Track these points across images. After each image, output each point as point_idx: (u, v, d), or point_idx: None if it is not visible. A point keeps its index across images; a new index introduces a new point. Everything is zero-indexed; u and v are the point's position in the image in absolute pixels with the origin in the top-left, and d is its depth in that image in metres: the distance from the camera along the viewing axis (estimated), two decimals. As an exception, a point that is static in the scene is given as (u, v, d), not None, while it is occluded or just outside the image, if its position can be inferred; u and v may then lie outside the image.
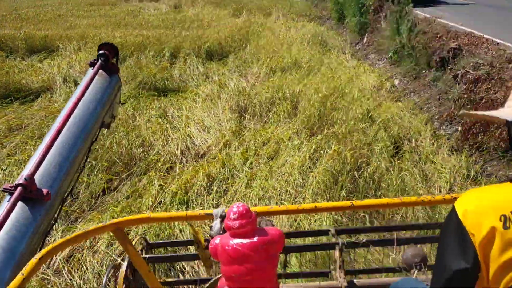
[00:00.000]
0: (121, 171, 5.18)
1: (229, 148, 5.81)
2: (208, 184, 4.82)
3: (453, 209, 1.00)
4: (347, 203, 1.69)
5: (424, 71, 8.50)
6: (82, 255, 3.66)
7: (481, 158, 5.43)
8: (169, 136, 6.06)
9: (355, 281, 2.14)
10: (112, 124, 1.87)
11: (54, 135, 1.42)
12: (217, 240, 1.53)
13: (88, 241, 3.88)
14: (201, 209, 4.35)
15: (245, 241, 1.45)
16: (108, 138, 5.67)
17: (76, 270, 3.52)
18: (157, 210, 4.26)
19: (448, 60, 7.88)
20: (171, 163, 5.43)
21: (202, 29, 12.95)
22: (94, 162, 5.15)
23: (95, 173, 4.99)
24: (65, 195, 1.51)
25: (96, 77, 1.70)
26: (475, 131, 5.69)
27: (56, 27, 14.07)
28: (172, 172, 5.25)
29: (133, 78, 8.44)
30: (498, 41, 8.62)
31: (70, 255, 3.76)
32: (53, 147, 1.43)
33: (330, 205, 1.81)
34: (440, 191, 4.77)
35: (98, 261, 3.56)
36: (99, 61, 1.75)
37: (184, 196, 4.53)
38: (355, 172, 4.51)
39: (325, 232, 2.27)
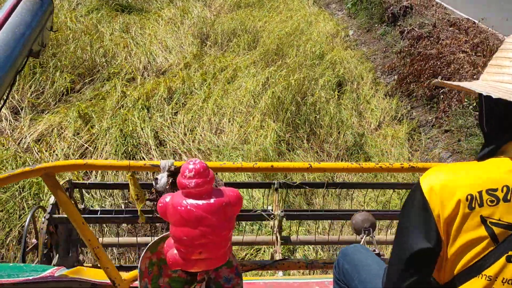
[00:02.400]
0: (84, 74, 5.44)
1: (189, 69, 6.19)
2: (168, 96, 5.25)
3: (418, 186, 0.97)
4: (305, 164, 1.62)
5: (376, 25, 9.14)
6: (51, 139, 4.05)
7: (409, 104, 6.26)
8: (131, 50, 6.32)
9: (292, 237, 2.21)
10: (42, 53, 1.67)
11: None
12: (167, 199, 1.36)
13: (55, 129, 4.27)
14: (160, 116, 4.81)
15: (200, 202, 1.30)
16: (72, 43, 5.85)
17: (45, 150, 3.92)
18: (120, 110, 4.66)
19: (398, 17, 8.55)
20: (133, 75, 5.75)
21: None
22: (58, 63, 5.37)
23: (59, 73, 5.23)
24: None
25: None
26: (408, 81, 6.47)
27: None
28: (134, 83, 5.60)
29: (96, -9, 8.35)
30: (446, 5, 9.39)
31: (39, 139, 4.13)
32: None
33: (287, 165, 1.73)
34: (370, 126, 5.55)
35: (68, 144, 3.97)
36: None
37: (146, 103, 4.95)
38: (299, 99, 5.12)
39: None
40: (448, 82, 1.14)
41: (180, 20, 7.91)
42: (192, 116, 4.86)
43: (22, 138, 4.10)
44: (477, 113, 1.10)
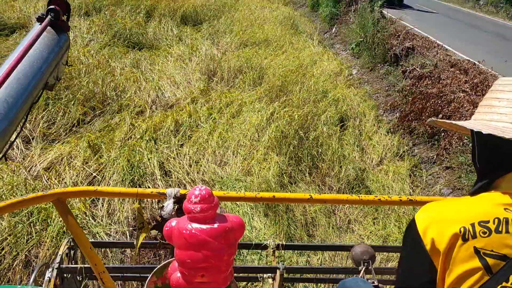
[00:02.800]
0: (95, 106, 5.64)
1: (196, 103, 6.39)
2: (175, 129, 5.41)
3: (413, 222, 1.02)
4: (306, 195, 1.67)
5: (379, 65, 9.41)
6: (61, 167, 4.18)
7: (411, 141, 6.37)
8: (141, 85, 6.55)
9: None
10: (56, 86, 1.76)
11: None
12: (173, 223, 1.44)
13: (65, 158, 4.40)
14: (167, 147, 4.95)
15: (204, 226, 1.37)
16: (85, 77, 6.09)
17: (54, 178, 4.04)
18: (128, 141, 4.81)
19: (401, 57, 8.81)
20: (142, 108, 5.94)
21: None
22: (71, 95, 5.59)
23: (72, 104, 5.43)
24: (0, 155, 1.37)
25: (44, 33, 1.53)
26: (410, 119, 6.62)
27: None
28: (142, 116, 5.78)
29: (109, 29, 8.74)
30: (448, 47, 9.71)
31: (49, 167, 4.26)
32: None
33: (288, 195, 1.79)
34: (371, 162, 5.64)
35: (75, 173, 4.10)
36: (48, 16, 1.58)
37: (153, 134, 5.10)
38: (302, 134, 5.26)
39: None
40: (441, 120, 1.20)
41: (188, 57, 8.22)
42: (197, 148, 4.99)
43: (33, 166, 4.23)
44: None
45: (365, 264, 1.85)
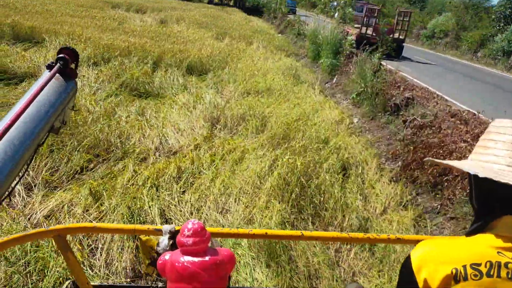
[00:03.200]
0: (100, 154, 5.69)
1: (199, 150, 6.44)
2: (177, 175, 5.42)
3: (409, 260, 1.05)
4: (297, 232, 1.74)
5: (380, 114, 9.55)
6: (61, 214, 4.16)
7: (414, 190, 6.34)
8: (145, 132, 6.64)
9: None
10: (62, 129, 1.81)
11: (1, 133, 1.32)
12: (167, 256, 1.49)
13: (66, 206, 4.39)
14: (169, 194, 4.94)
15: (196, 259, 1.42)
16: (91, 125, 6.20)
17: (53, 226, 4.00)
18: (130, 188, 4.81)
19: (401, 107, 8.96)
20: (145, 155, 5.99)
21: (185, 45, 13.73)
22: (76, 142, 5.66)
23: (76, 152, 5.49)
24: (4, 196, 1.40)
25: (53, 80, 1.62)
26: (412, 167, 6.62)
27: (43, 20, 14.44)
28: (146, 163, 5.81)
29: (116, 78, 8.99)
30: (447, 98, 9.87)
31: (49, 214, 4.24)
32: None
33: (280, 233, 1.83)
34: (375, 211, 5.59)
35: (75, 221, 4.06)
36: (58, 64, 1.67)
37: (155, 181, 5.10)
38: (304, 180, 5.25)
39: None
40: (438, 160, 1.22)
41: (193, 105, 8.38)
42: (199, 195, 4.98)
43: (33, 214, 4.21)
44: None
45: None
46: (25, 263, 3.44)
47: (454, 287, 0.95)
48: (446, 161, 1.18)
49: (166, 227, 1.64)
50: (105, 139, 6.03)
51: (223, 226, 4.45)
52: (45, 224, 4.06)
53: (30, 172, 4.95)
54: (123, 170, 5.40)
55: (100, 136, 6.01)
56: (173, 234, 1.61)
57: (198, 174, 5.56)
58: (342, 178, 5.88)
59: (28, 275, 3.35)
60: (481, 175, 0.97)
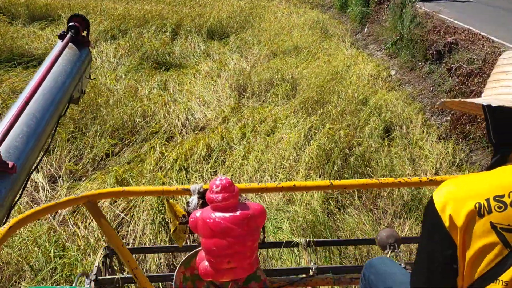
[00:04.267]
0: (125, 137, 5.38)
1: (227, 123, 6.02)
2: (207, 154, 5.04)
3: (432, 202, 1.03)
4: (326, 182, 1.70)
5: (420, 63, 8.74)
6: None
7: (467, 147, 5.72)
8: (170, 108, 6.25)
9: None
10: (81, 99, 1.82)
11: (21, 106, 1.31)
12: (197, 213, 1.49)
13: (92, 198, 4.11)
14: (199, 176, 4.59)
15: (227, 214, 1.42)
16: (114, 106, 5.86)
17: (81, 223, 3.74)
18: (158, 173, 4.48)
19: (444, 53, 8.13)
20: (171, 133, 5.63)
21: (204, 7, 13.04)
22: (99, 127, 5.35)
23: (99, 137, 5.18)
24: (32, 169, 1.42)
25: (66, 49, 1.62)
26: (463, 122, 5.97)
27: (57, -4, 14.04)
28: (173, 142, 5.46)
29: (135, 51, 8.56)
30: (494, 38, 8.90)
31: (74, 210, 3.98)
32: (20, 119, 1.33)
33: (309, 184, 1.79)
34: (426, 174, 5.05)
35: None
36: (69, 33, 1.67)
37: (184, 163, 4.75)
38: (347, 150, 4.76)
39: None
40: (450, 100, 1.23)
41: (217, 73, 7.89)
42: (232, 175, 4.59)
43: (58, 210, 3.96)
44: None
45: (391, 247, 1.86)
46: (51, 269, 3.22)
47: (480, 221, 0.93)
48: (458, 100, 1.17)
49: (194, 187, 1.63)
50: (128, 120, 5.69)
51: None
52: (71, 221, 3.81)
53: (53, 162, 4.70)
54: (150, 152, 5.06)
55: (123, 118, 5.67)
56: (202, 194, 1.60)
57: (229, 151, 5.16)
58: (387, 142, 5.33)
59: (55, 282, 3.13)
60: (494, 104, 0.96)
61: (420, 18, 9.83)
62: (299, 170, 4.61)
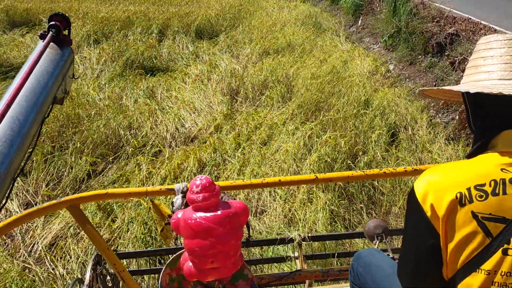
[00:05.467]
0: (107, 154, 4.94)
1: (220, 132, 5.59)
2: (199, 170, 4.62)
3: (413, 191, 1.00)
4: (311, 176, 1.68)
5: (420, 57, 8.33)
6: (66, 243, 3.45)
7: (478, 148, 5.32)
8: (157, 118, 5.81)
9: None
10: (65, 99, 1.74)
11: (3, 110, 1.29)
12: (179, 214, 1.47)
13: (71, 228, 3.68)
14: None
15: (208, 214, 1.40)
16: (95, 119, 5.41)
17: (59, 259, 3.31)
18: (142, 199, 4.05)
19: (445, 45, 7.72)
20: (160, 146, 5.20)
21: (192, 6, 12.53)
22: (79, 143, 4.90)
23: (80, 154, 4.74)
24: (17, 172, 1.37)
25: (47, 49, 1.58)
26: (472, 120, 5.56)
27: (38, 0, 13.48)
28: (161, 156, 5.02)
29: (120, 56, 8.09)
30: (496, 27, 8.48)
31: (53, 242, 3.55)
32: (3, 122, 1.31)
33: (294, 178, 1.73)
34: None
35: (82, 250, 3.35)
36: (50, 32, 1.62)
37: (174, 181, 4.32)
38: (350, 161, 4.35)
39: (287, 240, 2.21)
40: (428, 88, 1.18)
41: (207, 76, 7.44)
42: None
43: (34, 244, 3.53)
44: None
45: (379, 238, 1.84)
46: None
47: (461, 210, 0.92)
48: (437, 87, 1.14)
49: (178, 186, 1.63)
50: (112, 134, 5.24)
51: (260, 233, 3.66)
52: (48, 258, 3.38)
53: (29, 188, 4.26)
54: (136, 169, 4.63)
55: (107, 131, 5.23)
56: (186, 194, 1.56)
57: (222, 164, 4.74)
58: (393, 149, 4.92)
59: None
60: (472, 91, 0.95)
61: (416, 9, 9.42)
62: (301, 185, 4.19)
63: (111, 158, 4.90)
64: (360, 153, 4.56)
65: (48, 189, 4.26)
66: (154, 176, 4.44)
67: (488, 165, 0.95)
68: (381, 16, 10.76)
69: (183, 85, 7.12)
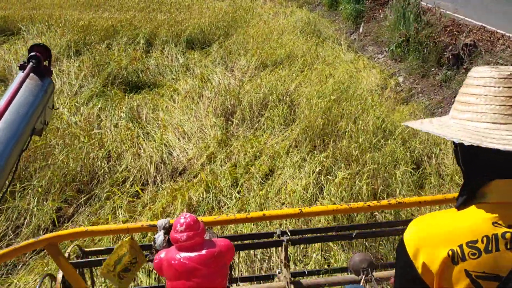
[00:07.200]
0: (80, 192, 4.13)
1: (214, 162, 4.79)
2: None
3: (402, 244, 0.95)
4: (296, 210, 1.74)
5: (433, 69, 7.60)
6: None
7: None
8: (141, 146, 4.99)
9: (301, 280, 2.06)
10: (44, 131, 1.66)
11: None
12: (162, 254, 1.45)
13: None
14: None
15: (193, 254, 1.39)
16: (66, 149, 4.58)
17: None
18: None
19: (463, 57, 6.99)
20: (142, 184, 4.38)
21: (182, 13, 11.73)
22: (44, 182, 4.08)
23: (45, 195, 3.92)
24: None
25: (27, 80, 1.56)
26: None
27: (19, 6, 12.62)
28: (144, 195, 4.20)
29: (101, 70, 7.26)
30: (516, 37, 7.75)
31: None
32: None
33: (279, 212, 1.82)
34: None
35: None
36: (30, 63, 1.61)
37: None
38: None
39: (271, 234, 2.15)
40: (411, 124, 1.06)
41: (198, 92, 6.64)
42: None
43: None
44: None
45: (365, 272, 1.79)
46: None
47: (455, 268, 0.87)
48: (426, 129, 0.99)
49: (161, 222, 1.61)
50: (86, 168, 4.42)
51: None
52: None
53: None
54: (110, 216, 3.81)
55: (81, 163, 4.41)
56: (168, 229, 1.55)
57: (216, 207, 3.93)
58: (420, 184, 4.14)
59: None
60: (466, 143, 0.87)
61: (427, 17, 8.70)
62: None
63: (82, 199, 4.08)
64: (385, 194, 3.77)
65: (1, 244, 3.43)
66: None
67: (479, 219, 0.89)
68: (386, 23, 10.05)
69: (171, 104, 6.31)
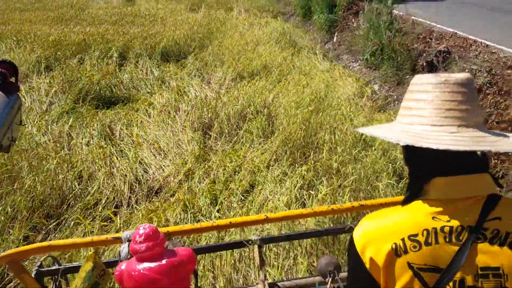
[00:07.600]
0: (48, 218, 3.89)
1: (191, 179, 4.62)
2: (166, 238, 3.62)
3: (352, 242, 0.99)
4: (261, 216, 1.74)
5: (407, 76, 7.62)
6: None
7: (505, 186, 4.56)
8: (114, 165, 4.78)
9: (278, 283, 2.03)
10: (12, 147, 1.57)
11: None
12: (123, 266, 1.40)
13: None
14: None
15: (152, 264, 1.35)
16: (31, 173, 4.33)
17: None
18: None
19: (437, 65, 7.04)
20: (116, 206, 4.17)
21: (156, 26, 11.56)
22: (9, 209, 3.82)
23: (10, 222, 3.67)
24: None
25: None
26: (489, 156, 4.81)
27: (-15, 21, 12.24)
28: (117, 218, 4.00)
29: (72, 86, 7.01)
30: (488, 43, 7.88)
31: None
32: None
33: (246, 219, 1.77)
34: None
35: None
36: None
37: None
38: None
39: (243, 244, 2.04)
40: (362, 129, 1.09)
41: (175, 106, 6.47)
42: (203, 275, 3.20)
43: None
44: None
45: (331, 275, 1.80)
46: None
47: (398, 261, 0.91)
48: (374, 133, 1.04)
49: (125, 234, 1.58)
50: (55, 190, 4.19)
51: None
52: None
53: None
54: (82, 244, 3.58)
55: (46, 189, 4.17)
56: None
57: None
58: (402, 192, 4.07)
59: None
60: (402, 143, 0.93)
61: (399, 25, 8.78)
62: (297, 258, 3.27)
63: (52, 225, 3.84)
64: (368, 210, 3.67)
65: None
66: (105, 252, 3.41)
67: (421, 214, 0.93)
68: (359, 32, 10.11)
69: (146, 119, 6.12)
